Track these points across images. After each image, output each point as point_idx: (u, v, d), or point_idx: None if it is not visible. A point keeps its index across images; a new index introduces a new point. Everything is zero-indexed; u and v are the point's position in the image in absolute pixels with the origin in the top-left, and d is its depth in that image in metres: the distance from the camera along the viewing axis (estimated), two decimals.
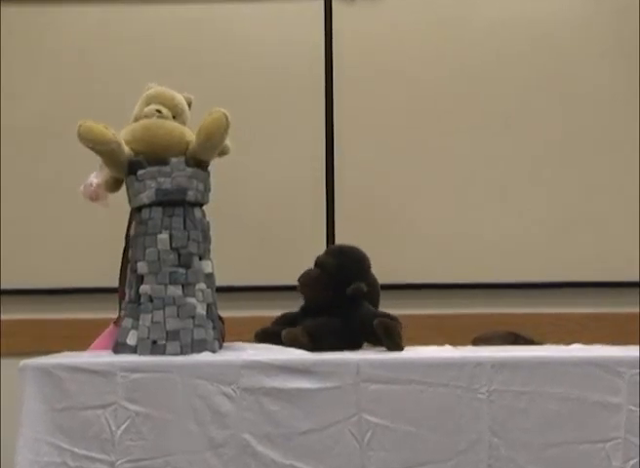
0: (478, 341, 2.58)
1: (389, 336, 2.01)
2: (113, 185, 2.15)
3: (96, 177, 2.14)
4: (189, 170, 2.04)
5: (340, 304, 2.09)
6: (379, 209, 3.35)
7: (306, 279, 2.13)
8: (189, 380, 1.87)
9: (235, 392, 1.87)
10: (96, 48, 3.48)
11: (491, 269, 3.33)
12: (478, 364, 1.87)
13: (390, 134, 3.40)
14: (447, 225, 3.36)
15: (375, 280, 2.20)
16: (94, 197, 2.15)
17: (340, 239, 3.26)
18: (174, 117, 2.14)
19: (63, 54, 3.49)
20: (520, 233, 3.36)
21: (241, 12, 3.48)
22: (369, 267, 2.18)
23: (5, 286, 3.38)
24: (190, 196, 2.04)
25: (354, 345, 2.07)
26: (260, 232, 3.31)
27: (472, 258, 3.33)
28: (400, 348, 2.01)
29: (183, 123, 2.17)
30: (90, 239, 3.36)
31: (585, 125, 3.41)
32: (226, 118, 2.02)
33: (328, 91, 3.41)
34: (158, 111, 2.11)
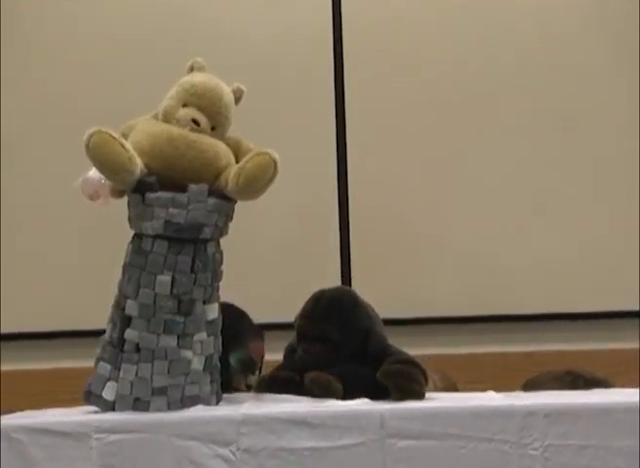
0: (530, 385, 2.55)
1: (394, 383, 1.95)
2: (119, 191, 2.01)
3: (98, 172, 1.96)
4: (211, 202, 1.91)
5: (356, 357, 2.05)
6: (399, 230, 3.33)
7: (310, 361, 2.05)
8: (179, 442, 1.82)
9: (234, 455, 1.82)
10: (77, 47, 3.52)
11: (541, 298, 3.31)
12: (529, 413, 1.83)
13: (410, 139, 3.40)
14: (482, 248, 3.34)
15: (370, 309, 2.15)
16: (94, 196, 2.01)
17: (357, 269, 3.19)
18: (213, 128, 1.99)
19: (41, 49, 3.54)
20: (573, 255, 3.34)
21: None
22: (363, 303, 2.12)
23: None
24: (206, 233, 1.93)
25: (383, 397, 2.01)
26: (266, 262, 3.29)
27: (517, 286, 3.32)
28: (413, 394, 1.95)
29: (223, 134, 2.02)
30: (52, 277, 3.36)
31: None
32: (275, 165, 1.90)
33: (338, 88, 3.40)
34: (195, 122, 1.96)
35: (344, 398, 1.96)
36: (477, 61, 3.43)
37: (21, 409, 2.06)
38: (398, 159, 3.40)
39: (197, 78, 2.03)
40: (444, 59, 3.43)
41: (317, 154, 3.39)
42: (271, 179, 1.91)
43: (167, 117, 1.99)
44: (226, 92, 2.04)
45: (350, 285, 3.06)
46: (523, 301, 3.25)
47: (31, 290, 3.49)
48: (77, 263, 3.40)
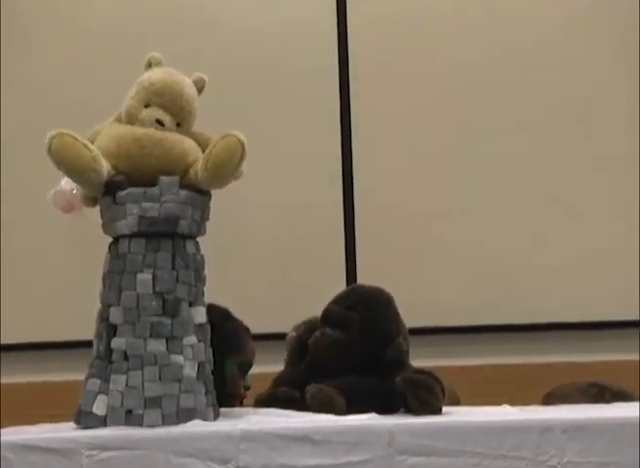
0: (551, 398, 2.53)
1: (415, 393, 1.93)
2: (91, 200, 2.04)
3: (71, 183, 2.00)
4: (183, 193, 1.94)
5: (370, 362, 2.03)
6: (408, 233, 3.30)
7: (324, 345, 2.06)
8: (175, 459, 1.80)
9: None
10: (78, 47, 3.53)
11: (562, 305, 3.28)
12: (546, 428, 1.80)
13: (419, 136, 3.39)
14: (497, 251, 3.33)
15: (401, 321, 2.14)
16: (67, 208, 2.03)
17: (363, 273, 3.17)
18: (178, 124, 2.02)
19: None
20: (597, 259, 3.31)
21: None
22: (396, 310, 2.12)
23: None
24: (183, 227, 1.94)
25: (390, 411, 1.99)
26: (266, 268, 3.25)
27: (535, 292, 3.28)
28: (431, 408, 1.94)
29: (189, 128, 2.05)
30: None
31: None
32: (242, 146, 1.91)
33: (343, 84, 3.38)
34: (159, 122, 1.98)
35: (348, 412, 1.94)
36: (489, 56, 3.43)
37: (12, 425, 2.03)
38: (407, 157, 3.39)
39: (156, 75, 2.04)
40: (453, 53, 3.43)
41: (321, 152, 3.38)
42: (240, 162, 1.93)
43: (130, 118, 2.02)
44: (188, 85, 2.06)
45: None
46: (541, 309, 3.23)
47: (29, 299, 3.48)
48: (77, 272, 3.39)
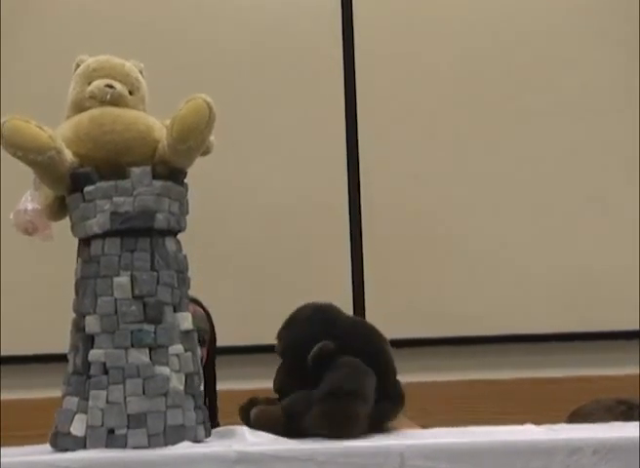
0: (575, 417, 2.51)
1: (328, 424, 1.83)
2: (58, 210, 1.99)
3: (31, 201, 1.95)
4: (158, 184, 1.89)
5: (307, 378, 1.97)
6: (419, 233, 3.26)
7: (275, 383, 2.01)
8: None
9: None
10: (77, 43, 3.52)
11: (591, 314, 3.21)
12: (575, 449, 1.76)
13: (432, 126, 3.36)
14: (518, 253, 3.31)
15: (353, 321, 2.07)
16: (30, 229, 1.96)
17: (371, 279, 3.11)
18: (130, 93, 2.00)
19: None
20: (628, 262, 3.24)
21: None
22: (335, 312, 2.04)
23: None
24: (160, 221, 1.89)
25: None
26: (258, 271, 3.22)
27: (560, 299, 3.22)
28: (343, 434, 1.84)
29: (142, 101, 2.03)
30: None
31: None
32: (210, 107, 1.87)
33: (348, 72, 3.37)
34: (109, 86, 1.96)
35: (290, 432, 1.87)
36: (503, 36, 3.43)
37: None
38: (419, 150, 3.37)
39: (89, 60, 2.05)
40: (468, 34, 3.44)
41: (325, 149, 3.35)
42: (208, 126, 1.89)
43: (79, 104, 1.99)
44: (126, 62, 2.06)
45: (363, 297, 3.02)
46: (566, 318, 3.19)
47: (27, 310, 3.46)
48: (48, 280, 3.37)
